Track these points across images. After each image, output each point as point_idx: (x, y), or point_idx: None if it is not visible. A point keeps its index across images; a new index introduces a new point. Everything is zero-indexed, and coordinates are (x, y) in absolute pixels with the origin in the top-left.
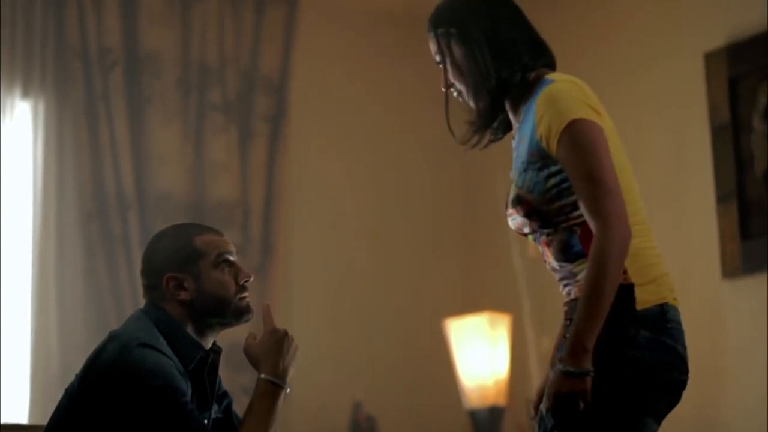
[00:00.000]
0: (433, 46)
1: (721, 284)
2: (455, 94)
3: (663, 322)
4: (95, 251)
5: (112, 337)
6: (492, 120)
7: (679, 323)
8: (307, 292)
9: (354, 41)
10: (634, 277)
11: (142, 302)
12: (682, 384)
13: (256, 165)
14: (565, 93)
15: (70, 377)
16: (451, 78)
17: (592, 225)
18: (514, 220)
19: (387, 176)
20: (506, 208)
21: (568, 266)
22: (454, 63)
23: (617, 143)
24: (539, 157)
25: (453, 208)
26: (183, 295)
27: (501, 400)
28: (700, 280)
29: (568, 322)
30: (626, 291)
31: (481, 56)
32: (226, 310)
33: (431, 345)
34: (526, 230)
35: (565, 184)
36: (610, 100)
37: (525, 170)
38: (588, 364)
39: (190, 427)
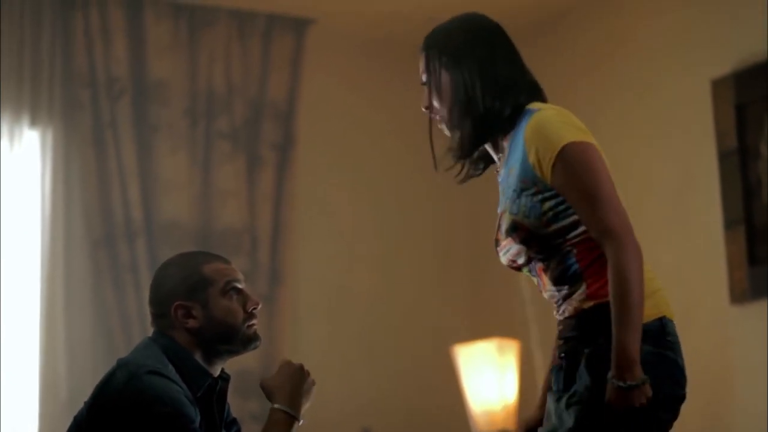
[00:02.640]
0: (421, 65)
1: (728, 309)
2: (435, 117)
3: (663, 335)
4: (103, 279)
5: (121, 364)
6: (472, 150)
7: (677, 336)
8: (314, 319)
9: (361, 68)
10: None
11: (150, 330)
12: (682, 398)
13: (264, 192)
14: (552, 119)
15: (79, 405)
16: (433, 101)
17: (601, 243)
18: (509, 251)
19: (394, 203)
20: (497, 244)
21: (565, 289)
22: (438, 86)
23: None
24: (532, 184)
25: (460, 235)
26: (191, 323)
27: (509, 426)
28: (707, 306)
29: (561, 342)
30: None
31: (471, 84)
32: (234, 338)
33: (440, 371)
34: (521, 260)
35: (561, 207)
36: (617, 127)
37: (518, 197)
38: (641, 373)
39: None
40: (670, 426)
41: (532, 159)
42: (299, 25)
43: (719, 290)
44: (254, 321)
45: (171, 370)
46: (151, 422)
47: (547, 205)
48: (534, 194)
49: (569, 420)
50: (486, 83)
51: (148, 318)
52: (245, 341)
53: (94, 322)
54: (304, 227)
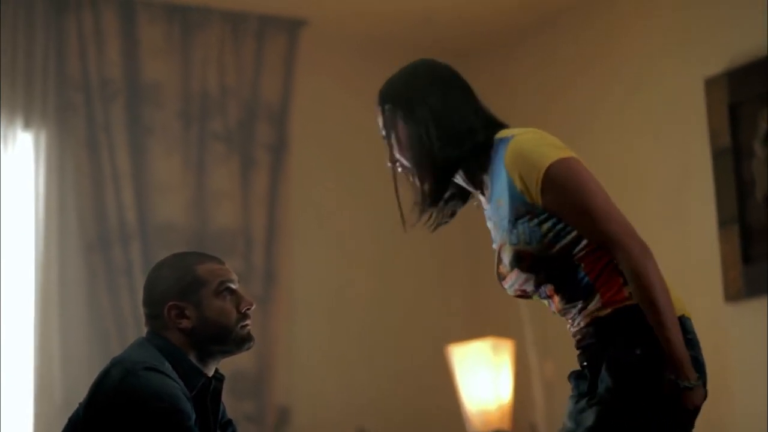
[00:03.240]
0: (379, 121)
1: (723, 308)
2: (400, 169)
3: (684, 334)
4: (97, 281)
5: (116, 362)
6: (437, 200)
7: (695, 334)
8: (309, 320)
9: (355, 69)
10: None
11: (144, 332)
12: (706, 395)
13: (258, 193)
14: (529, 143)
15: (74, 407)
16: (396, 154)
17: (611, 253)
18: (515, 282)
19: (388, 203)
20: (500, 278)
21: (580, 303)
22: (398, 140)
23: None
24: (525, 211)
25: (455, 235)
26: (184, 324)
27: (504, 425)
28: (702, 304)
29: (580, 351)
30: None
31: (426, 136)
32: (227, 338)
33: (434, 371)
34: (530, 288)
35: (559, 226)
36: (611, 125)
37: (515, 227)
38: (696, 376)
39: None
40: (693, 424)
41: (519, 186)
42: (292, 26)
43: (714, 289)
44: (248, 321)
45: (167, 367)
46: (148, 418)
47: (546, 226)
48: (530, 220)
49: (589, 419)
50: (441, 131)
51: (143, 320)
52: (238, 342)
53: (88, 325)
54: (299, 228)
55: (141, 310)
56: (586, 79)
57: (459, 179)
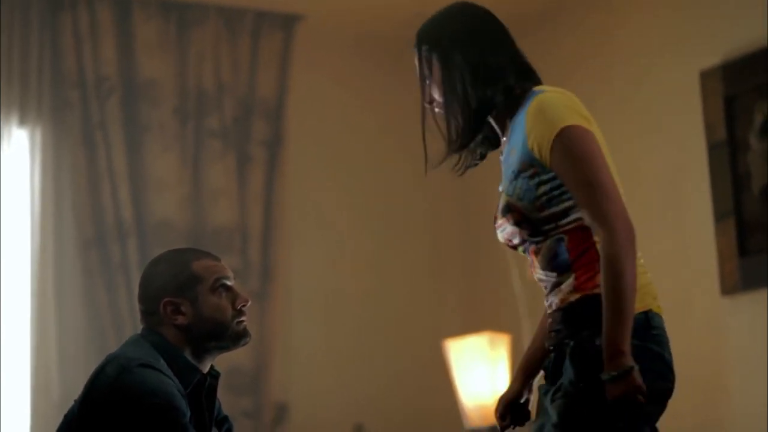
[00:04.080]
0: (416, 63)
1: (720, 301)
2: (437, 110)
3: (648, 329)
4: (94, 278)
5: (110, 359)
6: (468, 141)
7: (663, 330)
8: (306, 316)
9: (350, 65)
10: None
11: (140, 329)
12: (669, 392)
13: (255, 190)
14: (554, 102)
15: (71, 404)
16: (433, 95)
17: (595, 230)
18: (504, 230)
19: (385, 199)
20: (495, 220)
21: (554, 276)
22: (434, 81)
23: (607, 153)
24: (530, 166)
25: (451, 230)
26: (180, 320)
27: None
28: (699, 298)
29: (550, 335)
30: None
31: (460, 78)
32: (223, 335)
33: (431, 366)
34: (516, 240)
35: (555, 192)
36: (606, 119)
37: (515, 178)
38: (628, 361)
39: None
40: (656, 419)
41: (531, 141)
42: (288, 22)
43: (710, 282)
44: (243, 318)
45: (162, 364)
46: (143, 414)
47: (542, 189)
48: (531, 177)
49: (554, 414)
50: (475, 73)
51: (139, 316)
52: (234, 338)
53: (85, 323)
54: (295, 225)
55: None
56: (581, 73)
57: (492, 121)
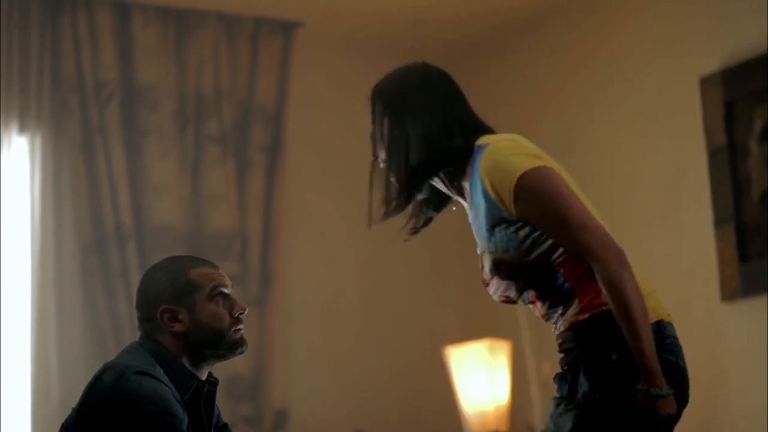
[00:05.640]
0: (371, 117)
1: (720, 307)
2: (382, 166)
3: (662, 338)
4: (94, 284)
5: (108, 367)
6: (404, 203)
7: (676, 338)
8: (305, 321)
9: (349, 70)
10: None
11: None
12: (686, 401)
13: (254, 195)
14: (502, 152)
15: (70, 409)
16: (379, 152)
17: (588, 263)
18: (498, 288)
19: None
20: (485, 284)
21: (560, 309)
22: (381, 138)
23: (570, 180)
24: (501, 219)
25: (451, 236)
26: (177, 327)
27: (502, 426)
28: (699, 304)
29: (562, 355)
30: None
31: (405, 140)
32: (220, 343)
33: (431, 372)
34: (512, 294)
35: (536, 233)
36: (605, 124)
37: (492, 234)
38: (667, 384)
39: None
40: (671, 430)
41: (493, 195)
42: (287, 28)
43: (710, 288)
44: (241, 326)
45: (159, 371)
46: (140, 421)
47: (522, 233)
48: (506, 228)
49: (567, 424)
50: (419, 137)
51: (137, 323)
52: (231, 346)
53: (85, 327)
54: (295, 230)
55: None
56: (580, 77)
57: (441, 186)
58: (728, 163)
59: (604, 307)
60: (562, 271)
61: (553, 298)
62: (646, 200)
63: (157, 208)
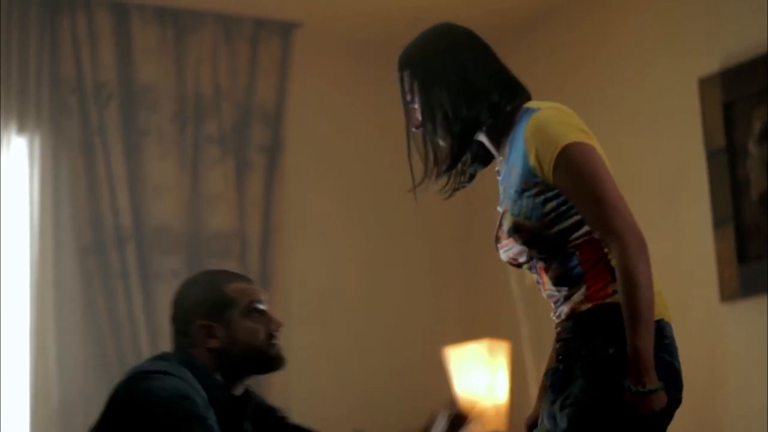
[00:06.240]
0: (401, 87)
1: (719, 308)
2: (420, 130)
3: (661, 338)
4: (93, 285)
5: (130, 371)
6: (453, 164)
7: (674, 339)
8: (305, 322)
9: (349, 71)
10: None
11: (140, 335)
12: (678, 403)
13: (253, 196)
14: (552, 119)
15: (70, 412)
16: (419, 119)
17: (608, 244)
18: (510, 249)
19: (384, 206)
20: (497, 241)
21: (565, 290)
22: (419, 104)
23: (607, 163)
24: (533, 184)
25: (450, 236)
26: (213, 343)
27: (501, 426)
28: (698, 305)
29: (559, 344)
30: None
31: (440, 102)
32: (258, 360)
33: (431, 373)
34: (522, 259)
35: (563, 208)
36: (604, 125)
37: (520, 198)
38: (656, 381)
39: None
40: (665, 429)
41: (532, 160)
42: (286, 29)
43: (709, 289)
44: (277, 342)
45: (186, 373)
46: (155, 409)
47: (549, 206)
48: (536, 195)
49: (563, 422)
50: (456, 95)
51: (138, 323)
52: (270, 363)
53: (84, 329)
54: (294, 231)
55: (137, 314)
56: (579, 78)
57: (484, 140)
58: (727, 164)
59: (608, 300)
60: (578, 254)
61: (562, 277)
62: (645, 201)
63: (156, 208)
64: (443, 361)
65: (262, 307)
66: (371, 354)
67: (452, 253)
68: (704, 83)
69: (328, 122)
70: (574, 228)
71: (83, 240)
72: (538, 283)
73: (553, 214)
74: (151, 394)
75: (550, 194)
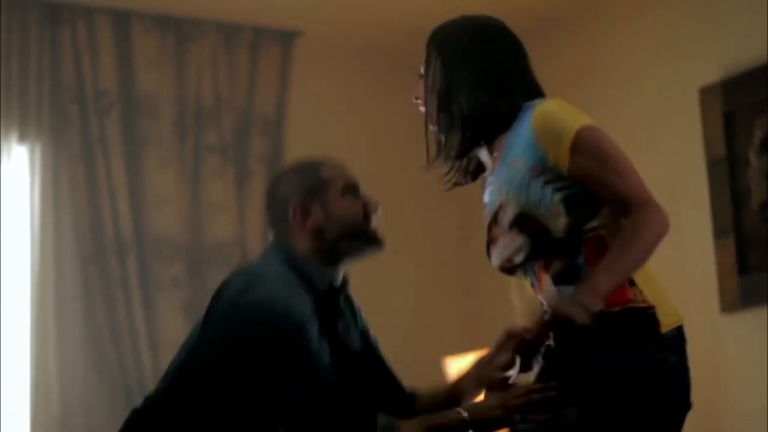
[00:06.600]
0: (423, 59)
1: (719, 319)
2: (421, 109)
3: (682, 344)
4: (94, 294)
5: (240, 271)
6: (463, 154)
7: (687, 345)
8: None
9: (349, 79)
10: (652, 299)
11: (140, 344)
12: (690, 406)
13: (254, 205)
14: (560, 108)
15: (71, 419)
16: (425, 95)
17: (629, 214)
18: (506, 249)
19: (384, 215)
20: (491, 244)
21: (568, 289)
22: (432, 85)
23: None
24: (542, 172)
25: (451, 246)
26: (311, 223)
27: None
28: (698, 315)
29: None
30: (649, 314)
31: (461, 87)
32: (357, 235)
33: (431, 383)
34: (519, 259)
35: (573, 199)
36: None
37: (528, 187)
38: (599, 304)
39: (314, 369)
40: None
41: (544, 146)
42: (286, 38)
43: (709, 299)
44: (375, 222)
45: (293, 279)
46: (266, 331)
47: (558, 196)
48: (544, 183)
49: (571, 414)
50: (476, 87)
51: (139, 332)
52: (369, 240)
53: (84, 338)
54: None
55: (137, 323)
56: (579, 86)
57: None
58: (728, 173)
59: (614, 308)
60: (584, 250)
61: (565, 274)
62: None
63: (156, 217)
64: (444, 371)
65: (357, 187)
66: None
67: (453, 262)
68: (705, 92)
69: (329, 131)
70: (581, 222)
71: (84, 249)
72: (533, 286)
73: (562, 205)
74: (267, 316)
75: (559, 184)
